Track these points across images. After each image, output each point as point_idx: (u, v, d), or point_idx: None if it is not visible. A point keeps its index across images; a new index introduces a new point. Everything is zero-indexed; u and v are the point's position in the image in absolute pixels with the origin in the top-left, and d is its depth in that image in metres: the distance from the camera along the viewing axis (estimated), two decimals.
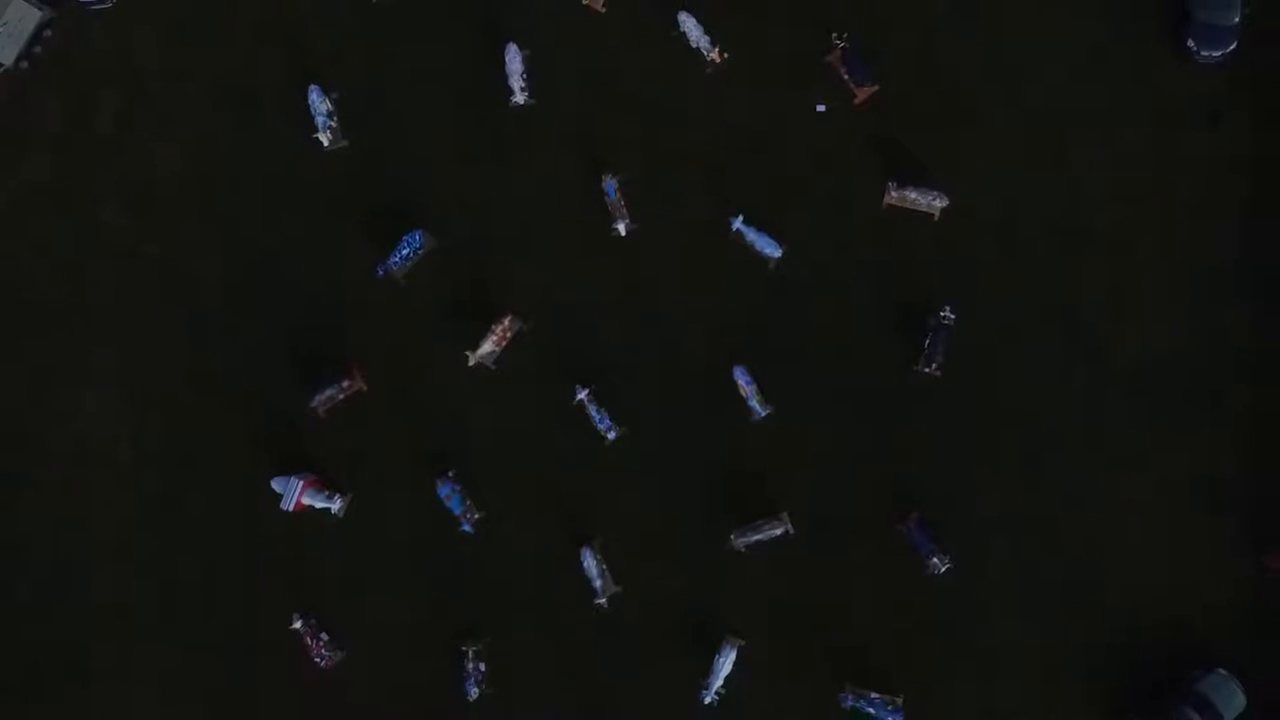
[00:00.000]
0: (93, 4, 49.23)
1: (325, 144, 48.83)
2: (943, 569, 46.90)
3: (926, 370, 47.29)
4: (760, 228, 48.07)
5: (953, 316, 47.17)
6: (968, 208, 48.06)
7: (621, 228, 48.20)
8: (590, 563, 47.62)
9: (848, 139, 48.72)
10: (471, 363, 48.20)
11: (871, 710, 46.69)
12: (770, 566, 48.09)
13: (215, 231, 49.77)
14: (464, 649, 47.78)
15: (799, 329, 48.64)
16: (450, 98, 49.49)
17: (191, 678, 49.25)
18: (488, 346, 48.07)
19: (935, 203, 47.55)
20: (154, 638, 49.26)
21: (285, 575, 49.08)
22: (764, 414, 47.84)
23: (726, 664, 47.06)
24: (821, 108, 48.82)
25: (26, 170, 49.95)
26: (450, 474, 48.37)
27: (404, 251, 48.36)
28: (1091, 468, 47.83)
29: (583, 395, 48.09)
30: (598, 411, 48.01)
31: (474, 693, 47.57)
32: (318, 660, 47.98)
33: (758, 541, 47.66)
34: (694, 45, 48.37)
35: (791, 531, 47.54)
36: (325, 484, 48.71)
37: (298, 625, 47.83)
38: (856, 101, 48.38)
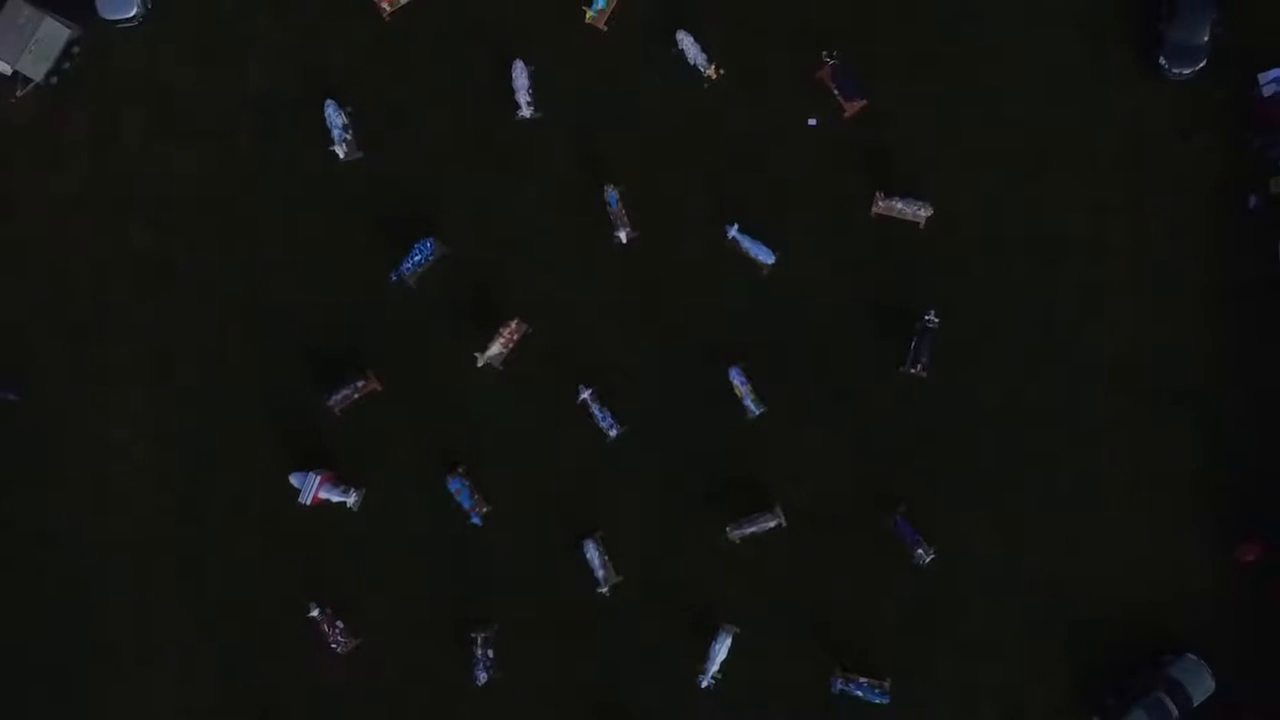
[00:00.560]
0: (118, 22, 50.12)
1: (341, 156, 49.52)
2: (927, 559, 47.70)
3: (912, 371, 48.02)
4: (754, 235, 48.73)
5: (937, 320, 47.89)
6: (951, 216, 48.79)
7: (622, 235, 48.90)
8: (593, 554, 48.47)
9: (837, 151, 49.35)
10: (480, 364, 48.93)
11: (860, 693, 47.63)
12: (764, 557, 48.91)
13: (235, 239, 50.42)
14: (473, 636, 48.63)
15: (791, 332, 49.34)
16: (460, 112, 50.14)
17: (213, 664, 50.10)
18: (495, 348, 48.76)
19: (920, 212, 48.26)
20: (176, 626, 50.17)
21: (302, 566, 49.89)
22: (758, 412, 48.56)
23: (723, 650, 47.86)
24: (813, 122, 49.47)
25: (56, 180, 50.75)
26: (460, 469, 49.21)
27: (416, 258, 49.04)
28: (1069, 463, 48.54)
29: (585, 395, 48.80)
30: (600, 410, 48.73)
31: (483, 677, 48.48)
32: (333, 647, 48.91)
33: (752, 534, 48.47)
34: (691, 62, 49.01)
35: (784, 524, 48.39)
36: (341, 479, 49.48)
37: (314, 613, 48.74)
38: (846, 116, 49.00)
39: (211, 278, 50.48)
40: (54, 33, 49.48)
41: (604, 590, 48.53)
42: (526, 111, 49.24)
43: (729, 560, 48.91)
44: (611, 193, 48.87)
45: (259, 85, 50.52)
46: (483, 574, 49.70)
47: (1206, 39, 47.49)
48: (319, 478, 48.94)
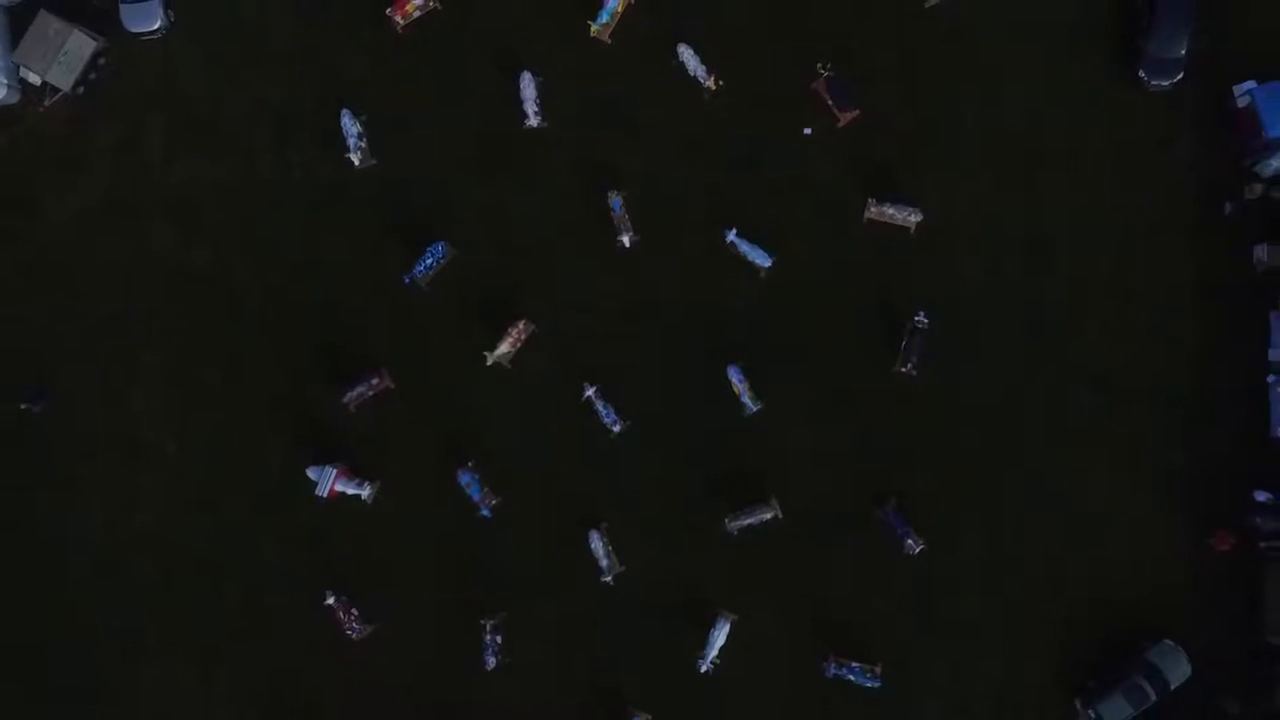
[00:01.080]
0: (142, 35, 51.07)
1: (356, 163, 50.34)
2: (917, 550, 48.48)
3: (903, 370, 48.85)
4: (752, 239, 49.48)
5: (927, 321, 48.71)
6: (941, 222, 49.52)
7: (626, 239, 49.69)
8: (597, 544, 49.18)
9: (832, 159, 50.10)
10: (489, 362, 49.75)
11: (852, 677, 48.33)
12: (761, 548, 49.54)
13: (254, 243, 51.19)
14: (482, 622, 49.35)
15: (787, 332, 50.00)
16: (470, 121, 50.90)
17: (233, 650, 50.70)
18: (504, 347, 49.62)
19: (911, 217, 49.08)
20: (198, 615, 50.82)
21: (319, 556, 50.56)
22: (755, 409, 49.32)
23: (721, 636, 48.56)
24: (808, 131, 50.21)
25: (82, 186, 51.55)
26: (469, 463, 49.97)
27: (428, 261, 49.84)
28: (1053, 458, 49.15)
29: (590, 392, 49.58)
30: (604, 406, 49.48)
31: (492, 662, 49.25)
32: (349, 633, 49.69)
33: (749, 525, 49.14)
34: (692, 74, 49.82)
35: (780, 516, 49.14)
36: (356, 472, 50.24)
37: (331, 601, 49.55)
38: (840, 125, 49.81)
39: (231, 280, 51.17)
40: (81, 44, 50.35)
41: (608, 579, 49.22)
42: (534, 121, 50.00)
43: (727, 550, 49.54)
44: (615, 198, 49.63)
45: (277, 95, 51.32)
46: (492, 563, 50.28)
47: (1184, 53, 48.36)
48: (335, 471, 49.71)
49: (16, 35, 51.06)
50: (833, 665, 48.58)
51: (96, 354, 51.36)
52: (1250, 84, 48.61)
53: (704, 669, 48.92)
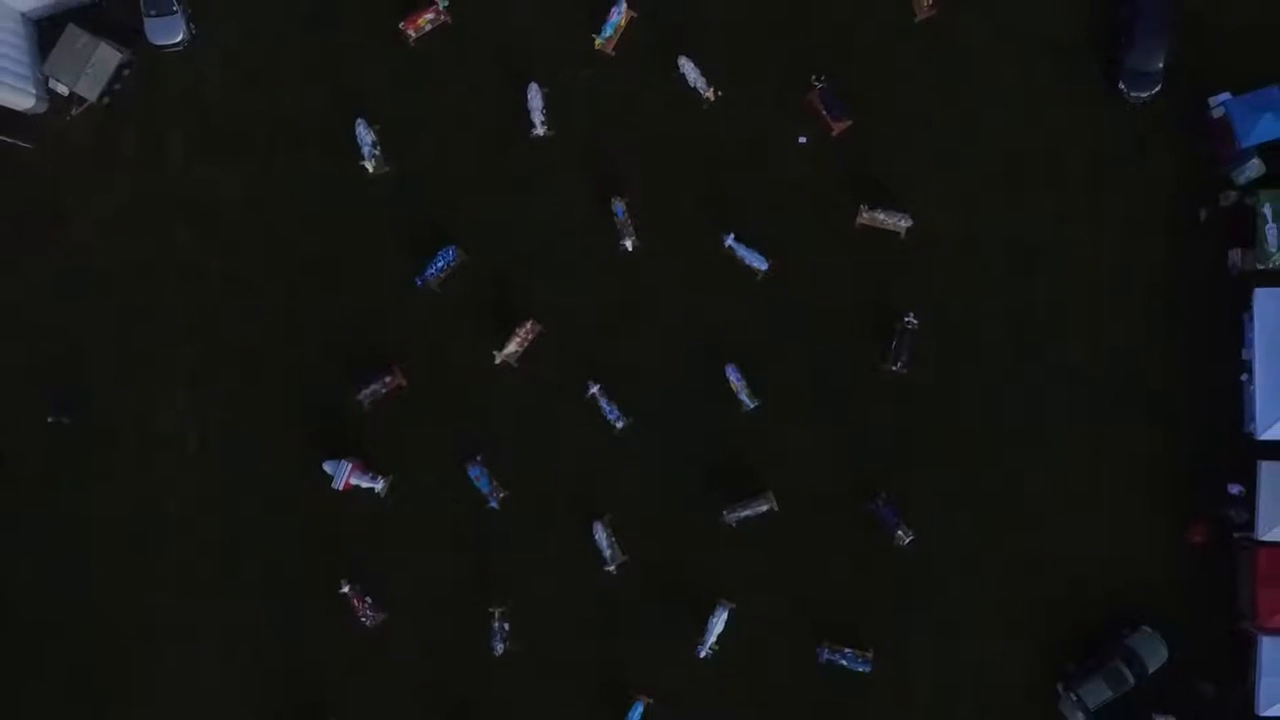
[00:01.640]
0: (165, 47, 51.83)
1: (370, 170, 51.09)
2: (907, 541, 49.45)
3: (893, 368, 49.75)
4: (749, 243, 50.28)
5: (916, 321, 49.57)
6: (929, 227, 50.28)
7: (628, 243, 50.47)
8: (601, 535, 50.04)
9: (825, 167, 50.84)
10: (498, 361, 50.59)
11: (844, 662, 49.24)
12: (757, 538, 50.37)
13: (273, 247, 51.92)
14: (491, 610, 50.24)
15: (783, 332, 50.81)
16: (479, 129, 51.63)
17: (252, 637, 51.51)
18: (512, 347, 50.43)
19: (901, 222, 49.86)
20: (217, 602, 51.62)
21: (335, 546, 51.32)
22: (752, 406, 50.17)
23: (719, 623, 49.42)
24: (803, 139, 50.98)
25: (107, 191, 52.24)
26: (479, 458, 50.78)
27: (439, 264, 50.60)
28: (1037, 453, 49.98)
29: (594, 390, 50.40)
30: (607, 404, 50.29)
31: (500, 648, 50.17)
32: (363, 620, 50.56)
33: (746, 517, 50.01)
34: (692, 85, 50.57)
35: (776, 508, 50.00)
36: (370, 467, 51.03)
37: (346, 590, 50.44)
38: (833, 134, 50.56)
39: (251, 282, 51.97)
40: (107, 57, 51.18)
41: (611, 568, 50.09)
42: (540, 130, 50.77)
43: (725, 541, 50.38)
44: (618, 204, 50.42)
45: (294, 105, 52.06)
46: (500, 554, 51.08)
47: (1161, 66, 49.23)
48: (350, 465, 50.49)
49: (45, 48, 51.87)
50: (826, 650, 49.32)
51: (121, 353, 52.00)
52: (1225, 96, 49.41)
53: (703, 654, 49.66)
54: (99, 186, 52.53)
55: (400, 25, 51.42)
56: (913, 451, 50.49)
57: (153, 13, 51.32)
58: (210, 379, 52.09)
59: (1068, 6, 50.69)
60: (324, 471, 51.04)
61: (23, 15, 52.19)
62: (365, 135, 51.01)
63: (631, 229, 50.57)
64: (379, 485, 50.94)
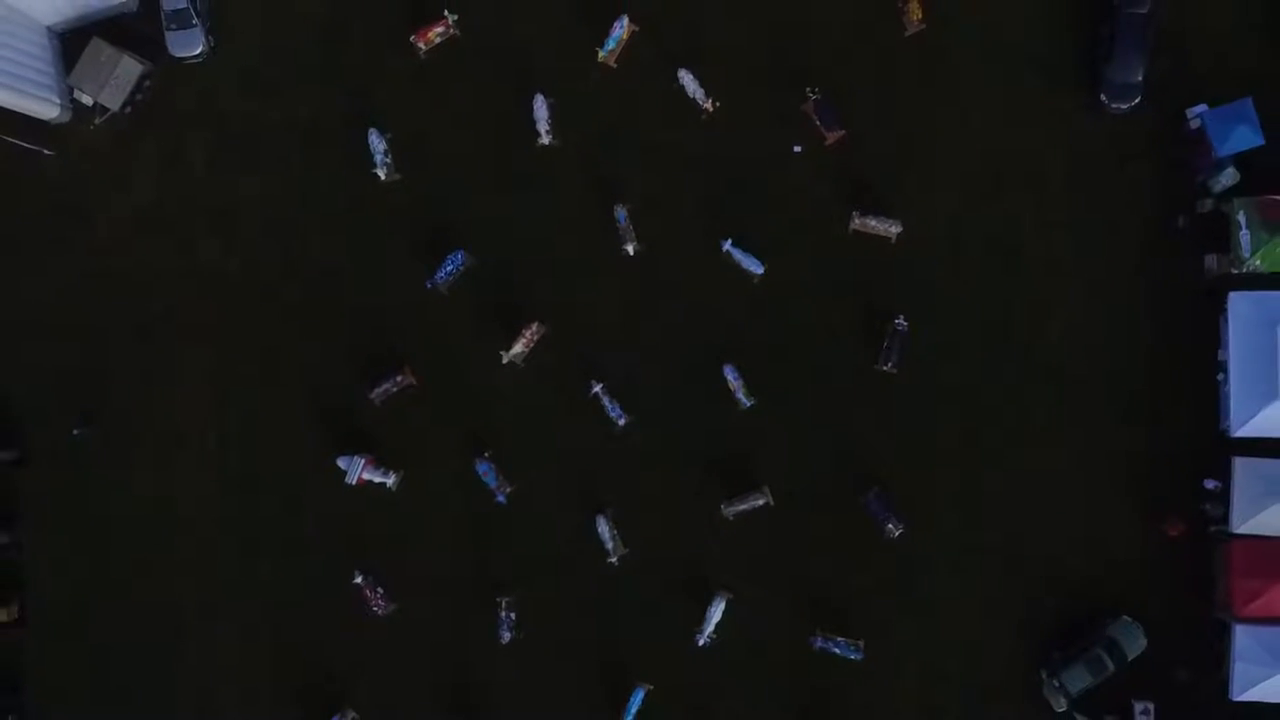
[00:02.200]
0: (185, 59, 52.71)
1: (382, 177, 51.72)
2: (897, 534, 50.05)
3: (884, 368, 50.35)
4: (746, 249, 50.82)
5: (906, 323, 50.18)
6: (919, 232, 50.79)
7: (630, 248, 51.02)
8: (603, 528, 50.63)
9: (819, 175, 51.35)
10: (505, 361, 51.14)
11: (837, 650, 49.83)
12: (754, 532, 50.90)
13: (289, 251, 52.57)
14: (498, 600, 50.84)
15: (778, 333, 51.33)
16: (487, 139, 52.21)
17: (267, 626, 52.16)
18: (518, 347, 50.98)
19: (892, 228, 50.43)
20: (235, 593, 52.30)
21: (348, 538, 51.94)
22: (749, 404, 50.70)
23: (717, 613, 49.98)
24: (798, 149, 51.51)
25: (130, 198, 53.03)
26: (486, 454, 51.36)
27: (448, 268, 51.21)
28: (1022, 450, 50.46)
29: (597, 389, 50.95)
30: (610, 402, 50.83)
31: (506, 637, 50.78)
32: (375, 609, 51.19)
33: (743, 511, 50.56)
34: (691, 96, 51.13)
35: (772, 503, 50.54)
36: (382, 462, 51.61)
37: (358, 580, 51.11)
38: (827, 144, 51.10)
39: (267, 285, 52.66)
40: (130, 68, 52.05)
41: (613, 560, 50.66)
42: (546, 139, 51.38)
43: (723, 534, 50.94)
44: (620, 211, 51.00)
45: (308, 114, 52.78)
46: (506, 546, 51.65)
47: (1141, 79, 49.86)
48: (363, 461, 51.16)
49: (69, 60, 52.73)
50: (819, 639, 49.97)
51: (143, 352, 52.62)
52: (1202, 108, 50.06)
53: (701, 643, 50.27)
54: (121, 192, 53.08)
55: (411, 39, 52.03)
56: (903, 448, 50.89)
57: (173, 26, 52.21)
58: (229, 378, 52.61)
59: (1051, 22, 51.24)
60: (338, 467, 51.61)
61: (48, 29, 53.12)
62: (377, 144, 51.58)
63: (633, 234, 51.03)
64: (390, 480, 51.54)
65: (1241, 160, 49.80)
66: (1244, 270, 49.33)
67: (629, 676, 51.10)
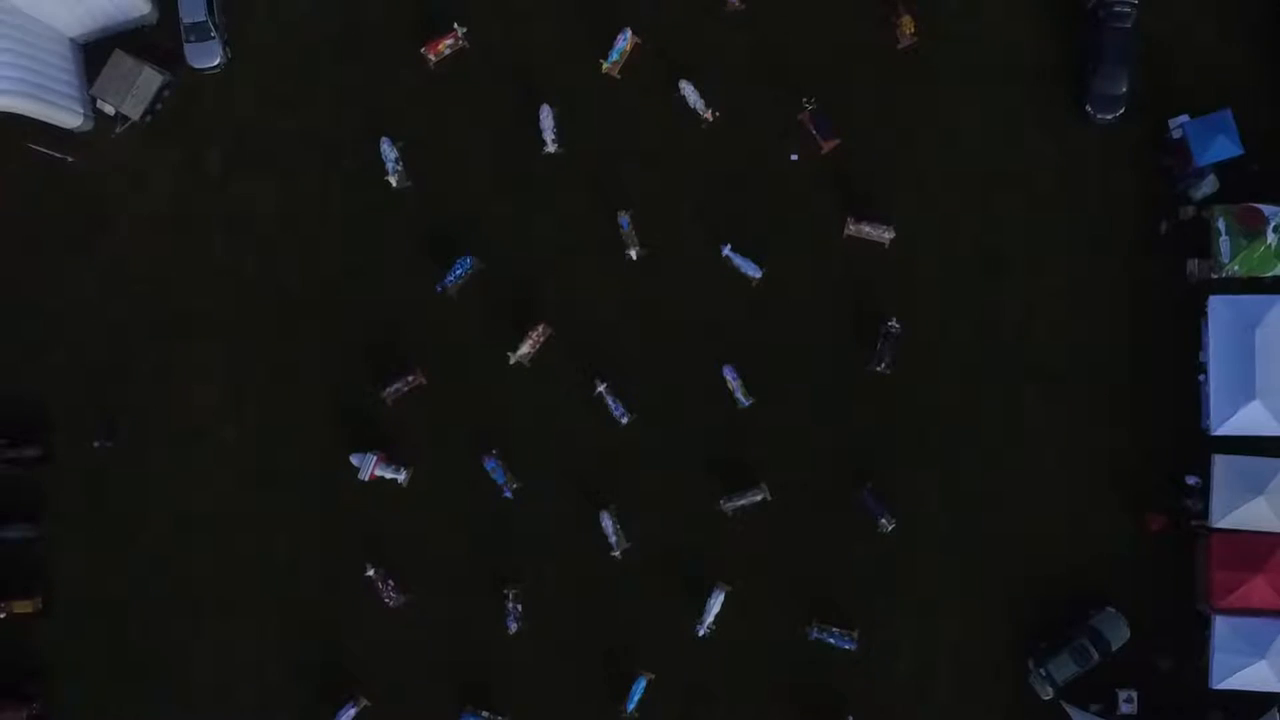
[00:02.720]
0: (204, 70, 53.53)
1: (393, 184, 52.34)
2: (890, 528, 50.75)
3: (878, 368, 51.03)
4: (744, 253, 51.45)
5: (898, 325, 50.84)
6: (911, 238, 51.47)
7: (633, 253, 51.69)
8: (607, 523, 51.21)
9: (815, 182, 51.95)
10: (512, 361, 51.77)
11: (832, 640, 50.53)
12: (752, 526, 51.51)
13: (303, 255, 53.08)
14: (505, 592, 51.39)
15: (776, 335, 51.88)
16: (494, 147, 52.76)
17: (283, 617, 52.66)
18: (525, 348, 51.65)
19: (885, 234, 51.11)
20: (252, 584, 52.84)
21: (360, 532, 52.42)
22: (747, 403, 51.40)
23: (716, 604, 50.65)
24: (794, 157, 52.16)
25: (150, 204, 53.58)
26: (494, 451, 51.93)
27: (457, 271, 51.78)
28: (1008, 446, 51.10)
29: (601, 388, 51.58)
30: (613, 401, 51.47)
31: (514, 627, 51.39)
32: (386, 601, 51.81)
33: (742, 506, 51.22)
34: (692, 106, 51.79)
35: (769, 498, 51.16)
36: (393, 459, 52.15)
37: (370, 573, 51.64)
38: (822, 152, 51.74)
39: (283, 288, 53.23)
40: (150, 79, 52.84)
41: (616, 554, 51.25)
42: (551, 147, 52.03)
43: (722, 528, 51.54)
44: (624, 217, 51.64)
45: (323, 123, 53.35)
46: (513, 540, 52.17)
47: (1125, 90, 50.64)
48: (375, 457, 51.74)
49: (91, 71, 53.46)
50: (815, 629, 50.74)
51: (162, 351, 53.15)
52: (1184, 118, 50.96)
53: (701, 633, 50.98)
54: (143, 198, 53.59)
55: (421, 50, 52.66)
56: (896, 446, 51.44)
57: (192, 38, 53.01)
58: (246, 378, 53.11)
59: (1038, 36, 51.93)
60: (351, 463, 52.13)
61: (71, 41, 53.94)
62: (389, 152, 52.19)
63: (636, 239, 51.62)
64: (401, 476, 52.02)
65: (1221, 169, 50.46)
66: (1223, 275, 50.08)
67: (632, 665, 51.64)
